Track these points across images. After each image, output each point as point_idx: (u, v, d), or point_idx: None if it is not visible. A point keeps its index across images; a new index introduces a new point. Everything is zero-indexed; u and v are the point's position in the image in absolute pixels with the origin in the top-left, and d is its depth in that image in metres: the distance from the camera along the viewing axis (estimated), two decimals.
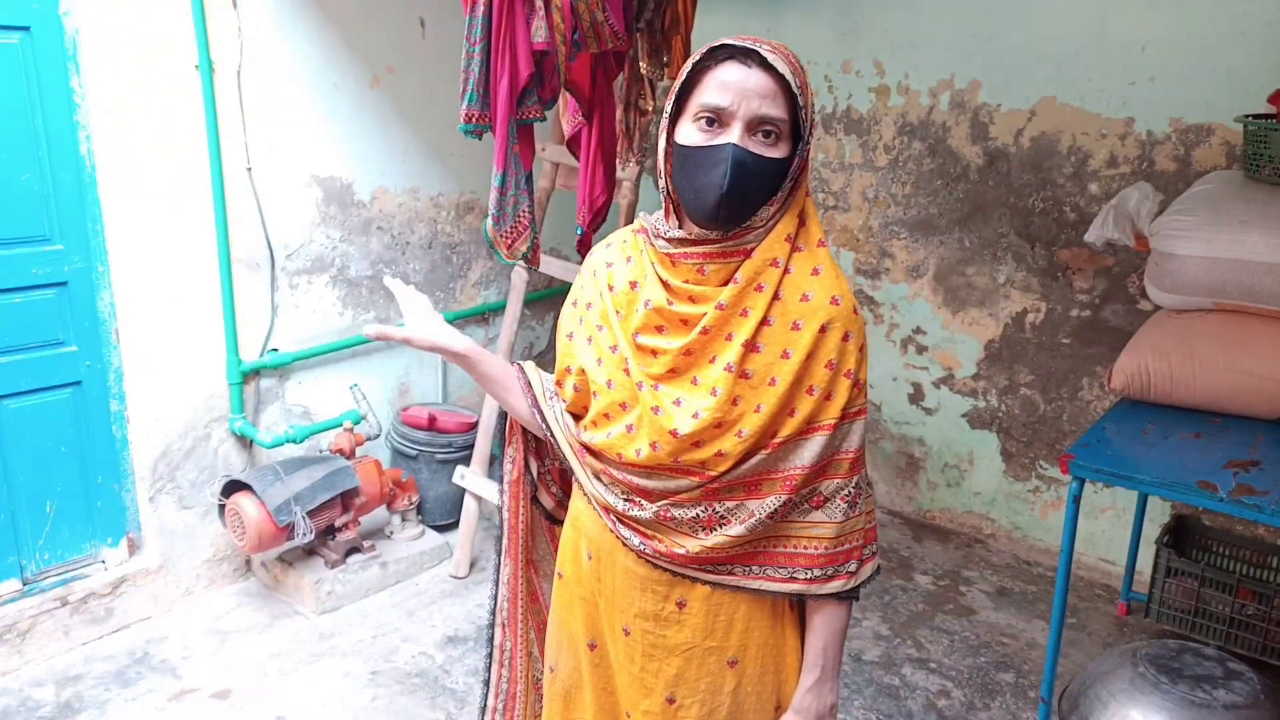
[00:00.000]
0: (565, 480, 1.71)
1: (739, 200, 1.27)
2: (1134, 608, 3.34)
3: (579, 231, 2.37)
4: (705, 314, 1.32)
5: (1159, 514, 3.37)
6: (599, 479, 1.47)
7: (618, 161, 2.45)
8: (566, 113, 2.40)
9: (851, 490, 1.38)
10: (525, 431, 1.65)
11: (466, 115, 2.15)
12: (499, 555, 1.71)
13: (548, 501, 1.73)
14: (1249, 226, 2.59)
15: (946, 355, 3.82)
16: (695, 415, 1.32)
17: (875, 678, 2.97)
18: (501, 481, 1.70)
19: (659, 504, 1.39)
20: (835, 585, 1.39)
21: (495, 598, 1.73)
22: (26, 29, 2.68)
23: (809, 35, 3.90)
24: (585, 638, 1.55)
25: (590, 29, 2.06)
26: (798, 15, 3.92)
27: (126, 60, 2.83)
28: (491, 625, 1.74)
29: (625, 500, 1.43)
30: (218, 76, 3.02)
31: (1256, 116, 2.71)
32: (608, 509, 1.46)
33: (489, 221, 2.18)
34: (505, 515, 1.69)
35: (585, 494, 1.51)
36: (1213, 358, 2.64)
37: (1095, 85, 3.27)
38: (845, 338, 1.34)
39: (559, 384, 1.52)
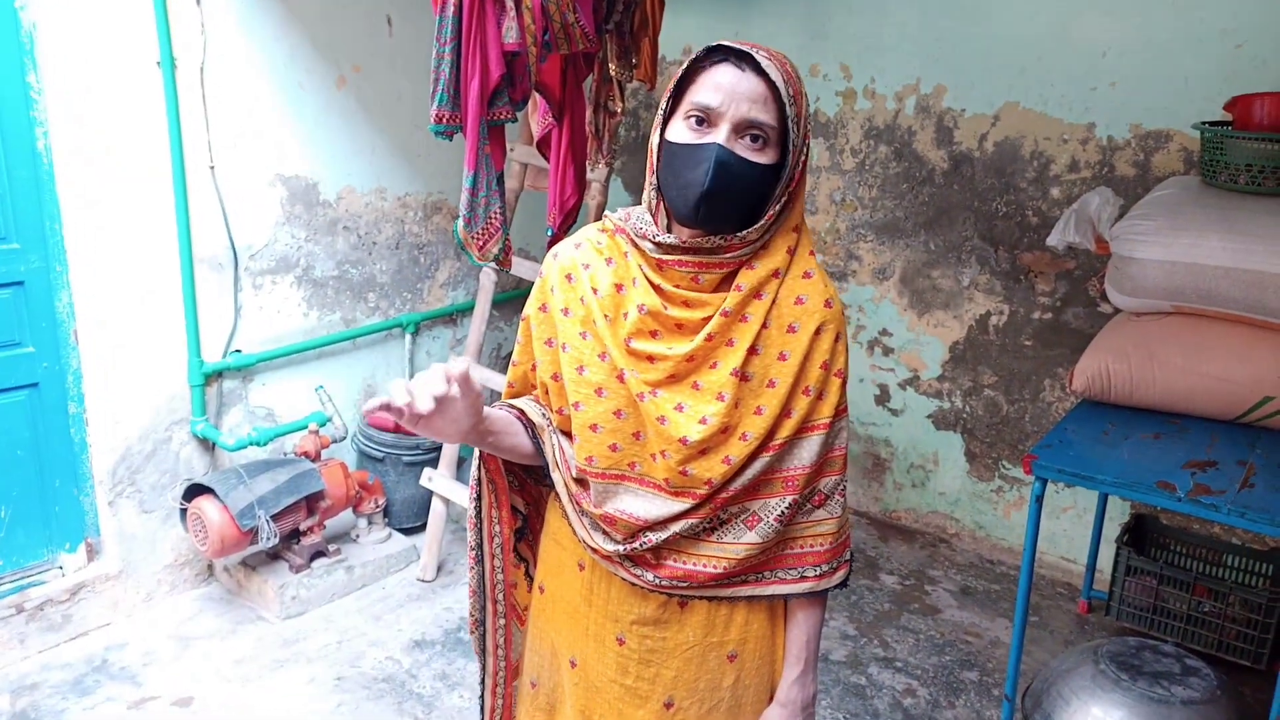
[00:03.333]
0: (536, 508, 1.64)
1: (720, 200, 1.27)
2: (1095, 605, 3.39)
3: (549, 232, 2.37)
4: (702, 318, 1.32)
5: (1119, 513, 3.43)
6: (599, 527, 1.41)
7: (588, 163, 2.45)
8: (536, 114, 2.39)
9: (844, 485, 1.44)
10: (507, 477, 1.56)
11: (437, 116, 2.14)
12: (482, 626, 1.61)
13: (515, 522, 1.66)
14: (1207, 231, 2.64)
15: (912, 357, 3.86)
16: (703, 421, 1.31)
17: (842, 677, 2.99)
18: (478, 550, 1.56)
19: (668, 530, 1.36)
20: (840, 576, 1.45)
21: (484, 668, 1.64)
22: None
23: (776, 38, 3.92)
24: (567, 654, 1.51)
25: (561, 30, 2.06)
26: (764, 18, 3.94)
27: (86, 55, 2.78)
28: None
29: (628, 544, 1.38)
30: (180, 73, 2.98)
31: (1213, 123, 2.77)
32: (610, 558, 1.40)
33: (460, 223, 2.17)
34: (497, 579, 1.58)
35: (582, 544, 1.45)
36: (1171, 360, 2.69)
37: (1057, 90, 3.32)
38: (837, 339, 1.37)
39: (544, 393, 1.45)
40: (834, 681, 2.96)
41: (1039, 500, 2.49)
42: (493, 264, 2.29)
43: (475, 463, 1.52)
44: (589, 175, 2.70)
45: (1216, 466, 2.43)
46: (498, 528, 1.56)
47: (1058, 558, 3.63)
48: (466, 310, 4.03)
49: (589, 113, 2.47)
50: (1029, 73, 3.36)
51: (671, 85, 1.33)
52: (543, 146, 2.45)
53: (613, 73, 2.54)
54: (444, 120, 2.13)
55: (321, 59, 3.36)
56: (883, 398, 3.97)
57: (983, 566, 3.71)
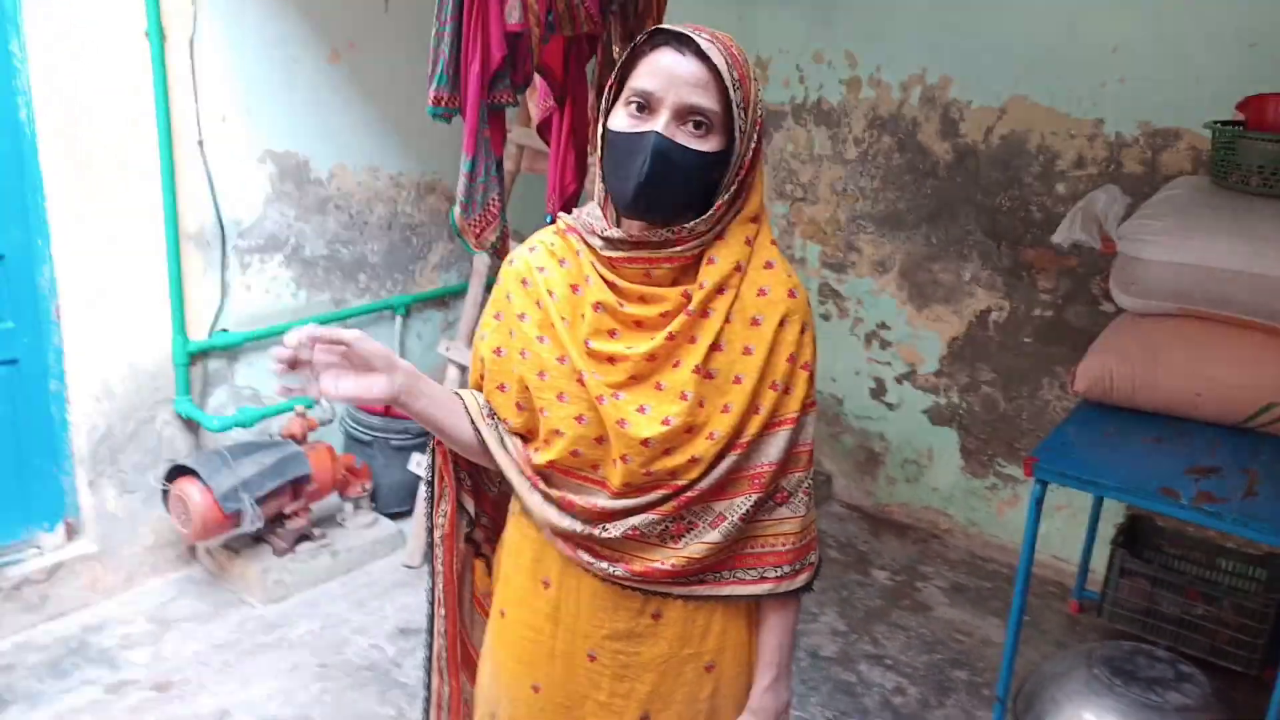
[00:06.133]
0: (498, 512, 1.59)
1: (660, 190, 1.22)
2: (1086, 606, 3.37)
3: (548, 220, 2.29)
4: (660, 314, 1.27)
5: (1113, 513, 3.40)
6: (554, 504, 1.36)
7: (589, 149, 2.38)
8: (536, 97, 2.32)
9: (809, 482, 1.38)
10: (456, 474, 1.52)
11: (435, 98, 2.06)
12: (431, 605, 1.57)
13: (478, 535, 1.60)
14: (1217, 234, 2.60)
15: (910, 351, 3.81)
16: (665, 422, 1.27)
17: (832, 674, 2.96)
18: (431, 534, 1.52)
19: (626, 522, 1.32)
20: (803, 579, 1.39)
21: (430, 646, 1.60)
22: None
23: (781, 24, 3.85)
24: (529, 679, 1.45)
25: (565, 11, 1.99)
26: (770, 3, 3.86)
27: (71, 23, 2.69)
28: (428, 672, 1.61)
29: (586, 524, 1.33)
30: (169, 44, 2.89)
31: (1225, 123, 2.72)
32: (567, 536, 1.36)
33: (456, 209, 2.10)
34: (438, 568, 1.54)
35: (532, 521, 1.41)
36: (1176, 363, 2.65)
37: (1065, 85, 3.26)
38: (802, 330, 1.33)
39: (491, 403, 1.41)
40: (823, 679, 2.93)
41: (1038, 503, 2.46)
42: (490, 253, 2.22)
43: (429, 451, 1.50)
44: (590, 161, 2.63)
45: (1219, 473, 2.39)
46: (441, 520, 1.51)
47: (1050, 556, 3.60)
48: (459, 293, 3.95)
49: (591, 97, 2.40)
50: (1037, 66, 3.30)
51: (615, 72, 1.27)
52: (542, 130, 2.38)
53: (616, 55, 2.47)
54: (443, 102, 2.06)
55: (315, 33, 3.28)
56: (879, 391, 3.93)
57: (974, 564, 3.68)
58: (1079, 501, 3.49)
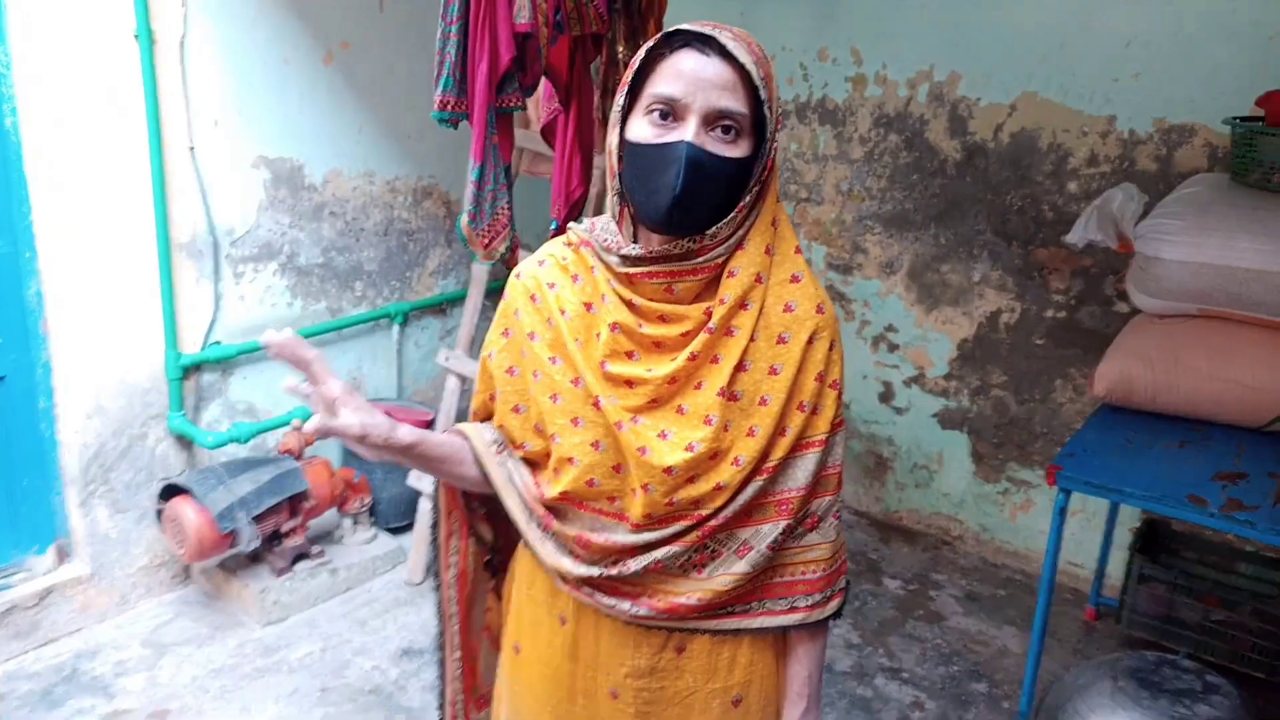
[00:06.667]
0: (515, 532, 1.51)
1: (694, 204, 1.14)
2: (1103, 613, 3.31)
3: (553, 225, 2.22)
4: (681, 334, 1.20)
5: (1129, 517, 3.33)
6: (568, 548, 1.28)
7: (595, 152, 2.30)
8: (540, 99, 2.23)
9: (838, 506, 1.32)
10: (468, 505, 1.43)
11: (441, 102, 1.97)
12: (442, 650, 1.48)
13: (496, 560, 1.52)
14: (1237, 232, 2.54)
15: (918, 354, 3.74)
16: (690, 448, 1.19)
17: (848, 689, 2.88)
18: (436, 578, 1.43)
19: (648, 557, 1.24)
20: (834, 606, 1.33)
21: (443, 695, 1.51)
22: None
23: (784, 20, 3.78)
24: (549, 719, 1.38)
25: (574, 10, 1.90)
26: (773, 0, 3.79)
27: (58, 25, 2.60)
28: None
29: (604, 567, 1.25)
30: (158, 47, 2.80)
31: (1244, 119, 2.66)
32: (582, 581, 1.28)
33: (464, 218, 2.01)
34: (451, 610, 1.45)
35: (546, 567, 1.33)
36: (1197, 365, 2.59)
37: (1077, 81, 3.19)
38: (830, 347, 1.26)
39: (503, 428, 1.33)
40: (839, 694, 2.86)
41: (1062, 513, 2.40)
42: (500, 263, 2.14)
43: (432, 489, 1.41)
44: (595, 164, 2.56)
45: (1246, 479, 2.33)
46: (454, 558, 1.42)
47: (1064, 562, 3.53)
48: (457, 300, 3.87)
49: (596, 98, 2.31)
50: (1048, 62, 3.23)
51: (628, 77, 1.18)
52: (546, 134, 2.29)
53: (620, 55, 2.39)
54: (449, 106, 1.96)
55: (308, 34, 3.18)
56: (887, 395, 3.86)
57: (987, 570, 3.61)
58: (1092, 506, 3.43)
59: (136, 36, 2.74)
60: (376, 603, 3.18)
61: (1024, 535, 3.61)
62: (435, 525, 1.42)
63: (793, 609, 1.29)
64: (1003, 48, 3.31)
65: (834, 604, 1.33)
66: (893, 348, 3.80)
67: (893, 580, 3.51)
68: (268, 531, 2.99)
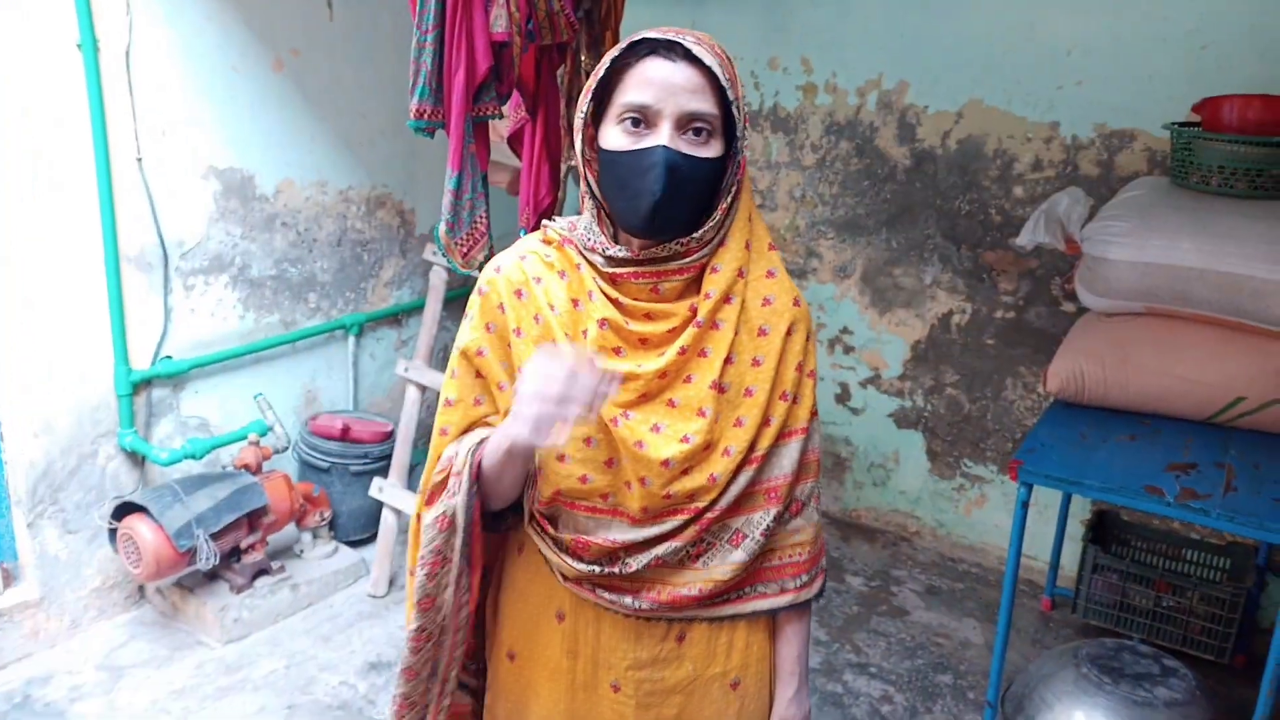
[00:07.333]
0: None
1: (674, 207, 1.17)
2: (1059, 602, 3.40)
3: (521, 234, 2.21)
4: (667, 330, 1.22)
5: (1079, 509, 3.44)
6: (566, 551, 1.29)
7: (562, 161, 2.30)
8: (508, 107, 2.23)
9: (818, 489, 1.39)
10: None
11: (418, 110, 1.95)
12: (431, 680, 1.40)
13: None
14: (1179, 233, 2.63)
15: (874, 356, 3.81)
16: (685, 440, 1.22)
17: (819, 686, 2.92)
18: (437, 614, 1.32)
19: (650, 554, 1.26)
20: (818, 585, 1.40)
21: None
22: None
23: (735, 30, 3.82)
24: (552, 718, 1.38)
25: (546, 19, 1.91)
26: (723, 9, 3.83)
27: None
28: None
29: (604, 565, 1.27)
30: (103, 56, 2.72)
31: (1183, 124, 2.77)
32: (583, 579, 1.29)
33: (441, 227, 2.00)
34: (457, 655, 1.39)
35: (539, 558, 1.33)
36: (1145, 362, 2.68)
37: (1022, 88, 3.29)
38: (808, 338, 1.33)
39: (499, 405, 1.31)
40: (810, 690, 2.89)
41: (1025, 506, 2.46)
42: (477, 272, 2.13)
43: (431, 532, 1.27)
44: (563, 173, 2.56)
45: (1197, 469, 2.42)
46: (466, 596, 1.32)
47: None
48: (413, 310, 3.83)
49: (562, 106, 2.32)
50: (993, 70, 3.33)
51: (592, 86, 1.20)
52: (513, 143, 2.29)
53: (584, 64, 2.40)
54: (425, 115, 1.95)
55: (257, 41, 3.13)
56: (843, 396, 3.92)
57: (945, 565, 3.69)
58: (1045, 498, 3.52)
59: (80, 46, 2.67)
60: (340, 617, 3.12)
61: (979, 530, 3.70)
62: (443, 570, 1.29)
63: (783, 591, 1.35)
64: (949, 57, 3.40)
65: (819, 583, 1.39)
66: (848, 350, 3.87)
67: (855, 577, 3.57)
68: (226, 548, 2.92)
